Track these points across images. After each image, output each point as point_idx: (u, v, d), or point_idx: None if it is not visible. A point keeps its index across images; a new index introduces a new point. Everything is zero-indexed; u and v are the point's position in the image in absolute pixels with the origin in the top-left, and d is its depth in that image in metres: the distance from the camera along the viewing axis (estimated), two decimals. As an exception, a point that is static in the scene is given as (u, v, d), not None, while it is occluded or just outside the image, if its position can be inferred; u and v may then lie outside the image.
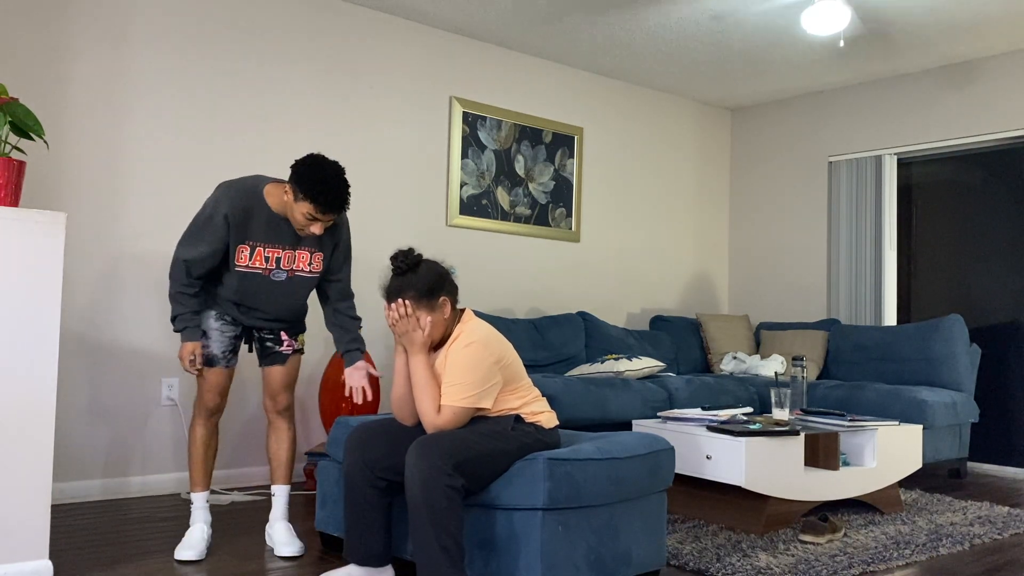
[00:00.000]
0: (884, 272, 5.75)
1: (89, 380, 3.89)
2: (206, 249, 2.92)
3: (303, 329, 3.22)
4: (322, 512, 3.05)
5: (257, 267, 2.98)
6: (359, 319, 3.19)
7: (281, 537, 3.05)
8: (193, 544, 2.94)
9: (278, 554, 3.02)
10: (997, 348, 5.42)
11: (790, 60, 5.55)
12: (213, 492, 4.04)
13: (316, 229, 2.90)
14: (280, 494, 3.14)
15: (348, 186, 2.87)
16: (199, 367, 3.01)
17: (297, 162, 2.87)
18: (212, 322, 3.07)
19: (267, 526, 3.16)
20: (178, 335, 4.08)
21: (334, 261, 3.13)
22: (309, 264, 3.05)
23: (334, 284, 3.15)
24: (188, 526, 3.09)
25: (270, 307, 3.07)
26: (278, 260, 3.00)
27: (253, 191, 2.94)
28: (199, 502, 3.08)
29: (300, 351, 3.20)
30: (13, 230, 2.47)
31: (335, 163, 2.88)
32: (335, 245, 3.11)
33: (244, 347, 3.91)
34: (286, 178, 3.54)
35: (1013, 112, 5.27)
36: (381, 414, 3.40)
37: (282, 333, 3.15)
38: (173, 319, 3.00)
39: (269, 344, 3.14)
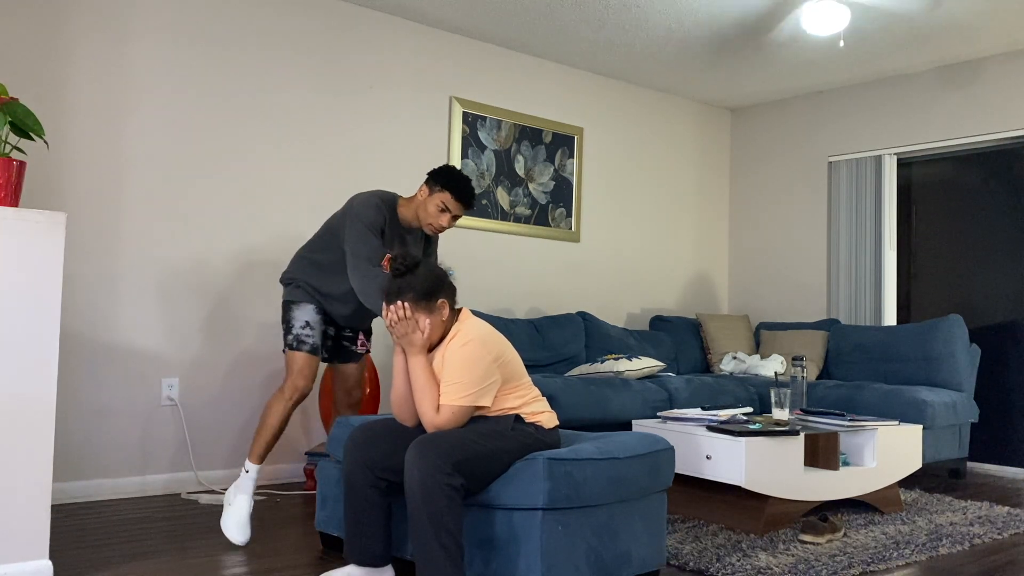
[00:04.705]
0: (884, 272, 5.75)
1: (89, 380, 3.89)
2: (376, 243, 3.18)
3: (371, 330, 3.60)
4: (322, 512, 3.05)
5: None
6: None
7: None
8: (243, 524, 3.09)
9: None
10: (997, 348, 5.42)
11: (790, 60, 5.55)
12: (212, 492, 4.05)
13: (444, 221, 3.23)
14: None
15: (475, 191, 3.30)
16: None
17: (433, 169, 3.25)
18: (314, 315, 3.32)
19: None
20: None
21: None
22: None
23: None
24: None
25: (370, 311, 3.36)
26: None
27: (389, 203, 3.28)
28: (254, 473, 3.24)
29: (368, 350, 3.60)
30: (13, 230, 2.47)
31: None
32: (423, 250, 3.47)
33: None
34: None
35: (1013, 112, 5.27)
36: (381, 414, 3.40)
37: (360, 334, 3.52)
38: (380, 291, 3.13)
39: (346, 344, 3.50)
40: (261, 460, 3.25)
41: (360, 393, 3.56)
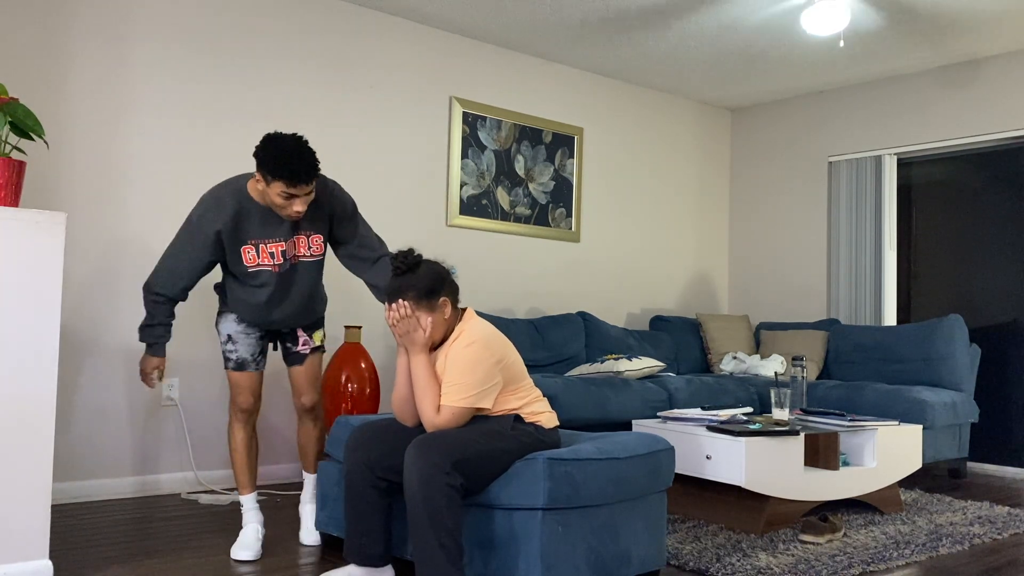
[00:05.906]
0: (884, 272, 5.75)
1: (89, 380, 3.89)
2: (187, 263, 2.92)
3: (320, 325, 3.23)
4: (322, 512, 3.05)
5: (266, 264, 2.94)
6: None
7: (307, 523, 3.22)
8: (249, 544, 2.97)
9: (303, 541, 3.18)
10: (997, 348, 5.42)
11: (790, 60, 5.55)
12: (213, 492, 4.05)
13: (298, 206, 2.80)
14: (308, 480, 3.31)
15: (312, 153, 2.76)
16: (156, 382, 3.09)
17: (256, 148, 2.78)
18: (235, 325, 3.09)
19: (300, 506, 3.33)
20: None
21: (340, 233, 3.08)
22: (308, 248, 3.01)
23: (360, 249, 3.10)
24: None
25: (281, 304, 3.04)
26: (283, 253, 2.96)
27: (238, 192, 2.91)
28: (249, 504, 3.13)
29: (319, 349, 3.22)
30: (13, 230, 2.47)
31: (293, 135, 2.79)
32: (330, 219, 3.04)
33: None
34: None
35: (1013, 112, 5.27)
36: (382, 414, 3.40)
37: (298, 331, 3.16)
38: (142, 328, 3.00)
39: (289, 344, 3.19)
40: (250, 487, 3.14)
41: (314, 397, 3.21)
